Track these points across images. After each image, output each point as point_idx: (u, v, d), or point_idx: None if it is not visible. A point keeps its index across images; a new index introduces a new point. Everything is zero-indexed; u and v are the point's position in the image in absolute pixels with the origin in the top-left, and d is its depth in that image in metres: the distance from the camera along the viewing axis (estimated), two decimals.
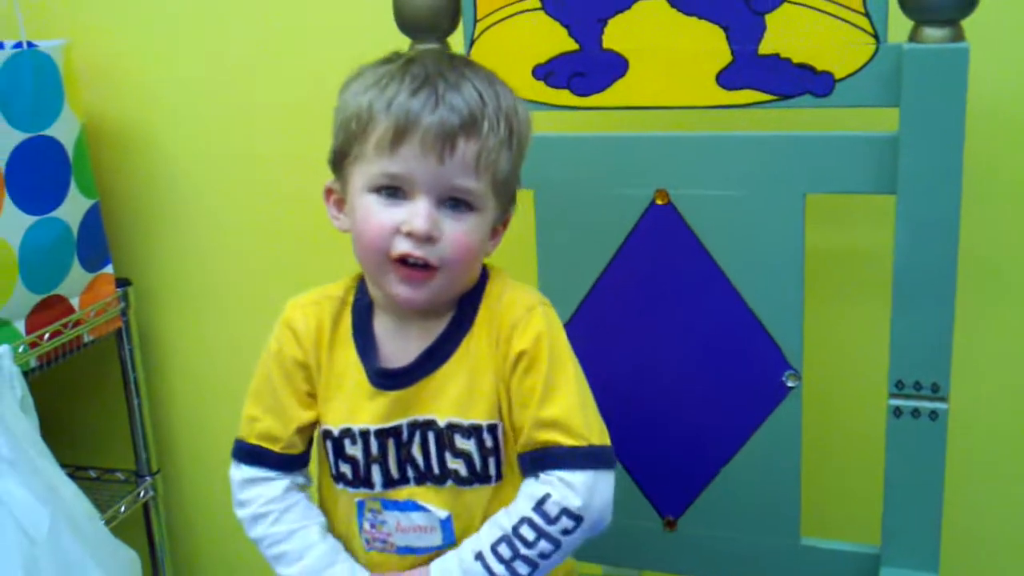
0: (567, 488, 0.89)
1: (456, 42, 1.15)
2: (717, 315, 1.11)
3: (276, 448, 0.99)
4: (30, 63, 1.40)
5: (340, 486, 0.96)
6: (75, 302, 1.51)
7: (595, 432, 0.91)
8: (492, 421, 0.92)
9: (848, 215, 1.22)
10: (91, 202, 1.52)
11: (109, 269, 1.56)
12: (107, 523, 1.51)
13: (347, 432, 0.95)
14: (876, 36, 1.01)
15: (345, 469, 0.95)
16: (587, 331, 1.13)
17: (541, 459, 0.91)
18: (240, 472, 1.02)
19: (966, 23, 0.99)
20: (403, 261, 0.88)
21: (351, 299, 0.99)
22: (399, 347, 0.95)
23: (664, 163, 1.10)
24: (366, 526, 0.96)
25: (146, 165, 1.61)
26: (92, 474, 1.70)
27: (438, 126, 0.85)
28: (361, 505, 0.96)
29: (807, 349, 1.10)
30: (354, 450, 0.94)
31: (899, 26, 1.01)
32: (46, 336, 1.44)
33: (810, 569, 1.14)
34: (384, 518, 0.95)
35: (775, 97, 1.06)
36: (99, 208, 1.54)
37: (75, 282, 1.50)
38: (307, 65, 1.46)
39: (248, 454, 1.01)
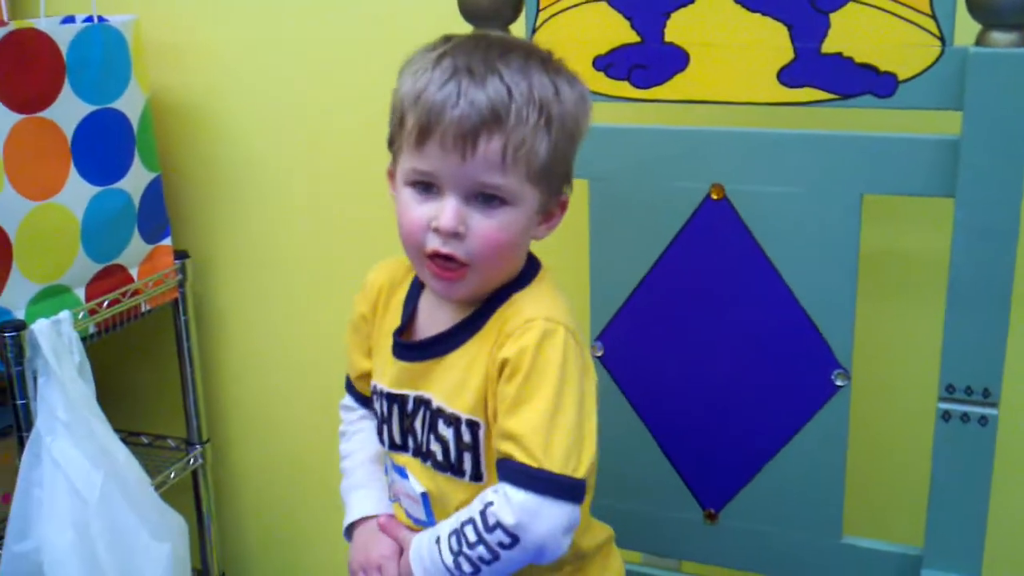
0: (506, 503, 0.86)
1: (518, 30, 1.16)
2: (768, 311, 1.11)
3: (355, 381, 1.11)
4: (100, 37, 1.43)
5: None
6: (134, 272, 1.54)
7: (555, 458, 0.86)
8: (473, 417, 0.92)
9: (904, 217, 1.22)
10: (153, 175, 1.55)
11: (168, 241, 1.60)
12: (157, 488, 1.54)
13: (375, 389, 1.02)
14: (942, 38, 1.01)
15: (377, 422, 1.03)
16: (637, 322, 1.14)
17: (500, 468, 0.89)
18: (345, 399, 1.14)
19: None
20: (435, 257, 0.89)
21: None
22: (430, 322, 0.98)
23: (721, 158, 1.10)
24: (391, 476, 1.03)
25: (208, 140, 1.64)
26: (144, 440, 1.74)
27: (457, 124, 0.85)
28: (386, 459, 1.04)
29: (857, 349, 1.10)
30: (379, 405, 1.01)
31: (965, 29, 1.00)
32: (105, 304, 1.47)
33: (850, 568, 1.14)
34: (393, 478, 1.02)
35: (836, 96, 1.05)
36: (161, 181, 1.57)
37: (135, 253, 1.53)
38: (370, 46, 1.48)
39: (348, 383, 1.13)
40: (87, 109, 1.42)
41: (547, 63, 0.91)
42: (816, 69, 1.05)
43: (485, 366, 0.92)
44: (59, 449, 1.33)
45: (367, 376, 1.06)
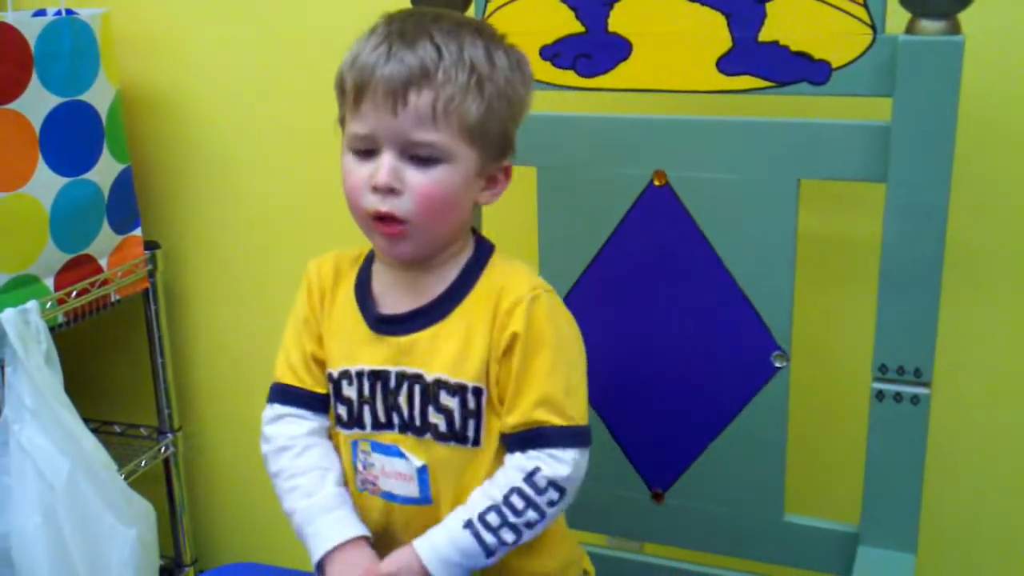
0: (557, 463, 0.93)
1: None
2: (709, 294, 1.14)
3: (303, 385, 1.03)
4: (68, 30, 1.46)
5: (338, 428, 1.01)
6: (104, 262, 1.57)
7: (581, 414, 0.96)
8: (478, 384, 0.95)
9: (841, 201, 1.24)
10: (123, 166, 1.58)
11: (138, 232, 1.62)
12: (128, 477, 1.57)
13: (345, 374, 0.99)
14: (873, 27, 1.03)
15: (342, 411, 1.00)
16: (583, 305, 1.16)
17: (533, 438, 0.94)
18: (272, 410, 1.05)
19: (963, 16, 1.01)
20: (378, 217, 0.92)
21: (362, 257, 1.04)
22: (397, 299, 0.99)
23: (663, 145, 1.13)
24: (359, 466, 1.00)
25: (178, 131, 1.66)
26: (116, 429, 1.77)
27: (387, 80, 0.88)
28: (355, 446, 1.00)
29: (796, 331, 1.13)
30: (350, 391, 0.98)
31: (896, 18, 1.03)
32: (74, 294, 1.50)
33: (793, 545, 1.17)
34: (372, 460, 0.98)
35: (773, 84, 1.08)
36: (131, 172, 1.60)
37: (104, 243, 1.56)
38: (333, 36, 1.50)
39: (279, 393, 1.05)
40: (55, 101, 1.45)
41: (481, 31, 0.94)
42: (753, 57, 1.08)
43: (487, 337, 0.94)
44: (26, 437, 1.35)
45: (318, 364, 1.03)
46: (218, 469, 1.81)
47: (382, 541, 0.99)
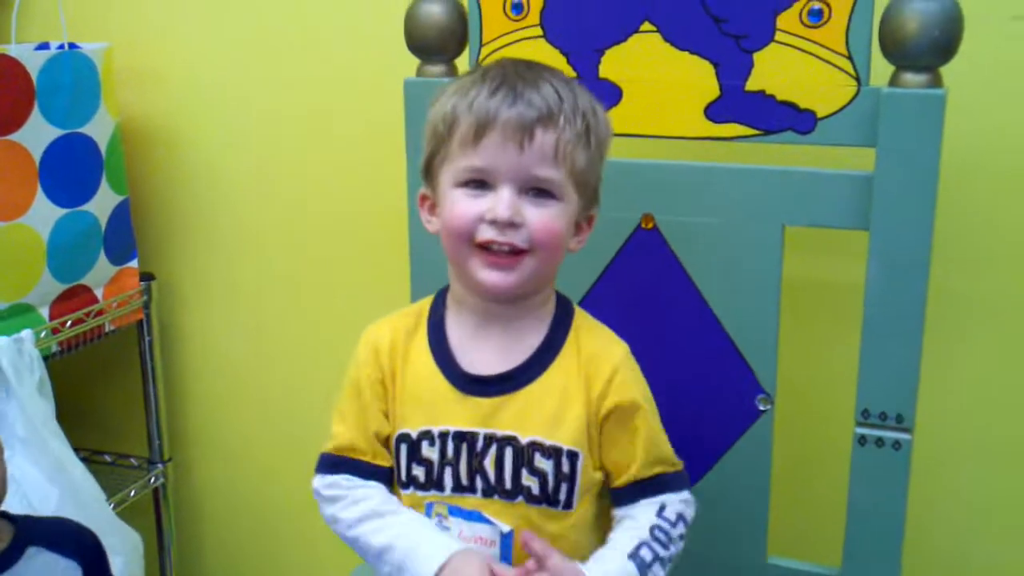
0: (681, 502, 1.01)
1: (462, 64, 1.21)
2: (695, 337, 1.16)
3: (363, 457, 1.01)
4: (70, 64, 1.48)
5: (410, 490, 0.98)
6: (99, 293, 1.58)
7: (676, 457, 1.04)
8: (574, 448, 0.95)
9: (826, 246, 1.26)
10: (121, 198, 1.60)
11: (134, 263, 1.64)
12: (117, 506, 1.58)
13: (426, 434, 0.97)
14: (858, 79, 1.06)
15: (418, 472, 0.97)
16: None
17: (651, 487, 1.00)
18: (323, 480, 1.03)
19: (945, 70, 1.03)
20: (487, 248, 0.92)
21: (427, 313, 1.03)
22: (483, 355, 0.98)
23: (652, 189, 1.15)
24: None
25: (176, 165, 1.69)
26: (108, 458, 1.78)
27: (517, 118, 0.91)
28: (429, 508, 0.97)
29: (780, 374, 1.14)
30: (430, 452, 0.96)
31: (881, 70, 1.05)
32: (68, 323, 1.52)
33: None
34: (449, 524, 0.96)
35: (759, 132, 1.10)
36: (128, 204, 1.62)
37: (100, 274, 1.58)
38: (328, 76, 1.54)
39: (333, 465, 1.03)
40: (56, 133, 1.47)
41: (582, 84, 0.99)
42: (740, 106, 1.10)
43: (584, 400, 0.96)
44: (16, 465, 1.36)
45: (383, 441, 1.01)
46: (207, 500, 1.82)
47: None
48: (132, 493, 1.66)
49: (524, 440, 0.95)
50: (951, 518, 1.33)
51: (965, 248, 1.24)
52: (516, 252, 0.92)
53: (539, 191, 0.92)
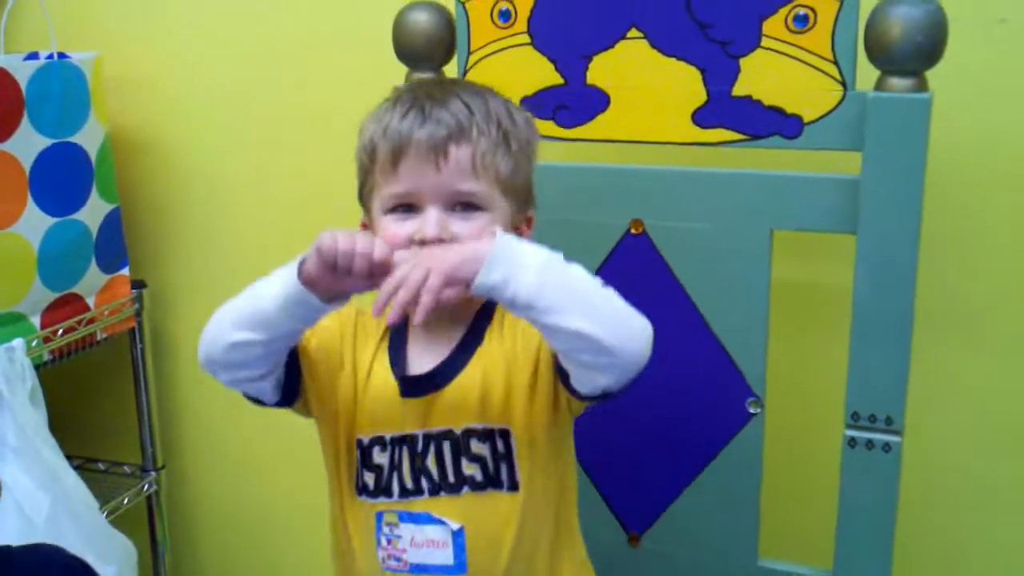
0: None
1: (450, 72, 1.22)
2: (685, 342, 1.16)
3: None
4: (59, 74, 1.48)
5: (362, 498, 0.98)
6: (91, 301, 1.58)
7: None
8: (504, 426, 0.95)
9: (814, 250, 1.27)
10: (111, 206, 1.60)
11: (125, 271, 1.64)
12: (110, 514, 1.58)
13: (378, 440, 0.98)
14: (844, 83, 1.06)
15: (369, 479, 0.98)
16: None
17: None
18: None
19: (932, 73, 1.04)
20: None
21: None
22: (420, 356, 0.99)
23: (640, 195, 1.15)
24: (383, 541, 0.97)
25: (167, 173, 1.69)
26: (101, 466, 1.77)
27: (428, 139, 0.92)
28: (379, 518, 0.98)
29: (770, 378, 1.15)
30: (381, 458, 0.97)
31: (867, 75, 1.06)
32: (60, 332, 1.52)
33: None
34: (400, 532, 0.96)
35: (746, 137, 1.11)
36: (119, 212, 1.62)
37: (92, 282, 1.58)
38: (319, 83, 1.54)
39: None
40: (45, 142, 1.47)
41: (496, 92, 1.00)
42: (727, 111, 1.11)
43: (504, 373, 0.95)
44: (8, 473, 1.36)
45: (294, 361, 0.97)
46: (201, 508, 1.82)
47: None
48: (126, 501, 1.66)
49: (459, 430, 0.95)
50: (943, 521, 1.33)
51: (953, 250, 1.25)
52: None
53: (465, 205, 0.94)
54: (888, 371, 1.08)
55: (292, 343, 0.95)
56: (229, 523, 1.81)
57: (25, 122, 1.43)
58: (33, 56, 1.57)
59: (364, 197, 0.99)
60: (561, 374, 0.92)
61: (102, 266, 1.59)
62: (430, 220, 0.92)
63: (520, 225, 1.00)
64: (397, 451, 0.97)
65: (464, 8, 1.18)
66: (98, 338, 1.60)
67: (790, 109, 1.09)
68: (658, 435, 1.19)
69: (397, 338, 1.01)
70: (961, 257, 1.26)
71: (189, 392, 1.77)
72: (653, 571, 1.23)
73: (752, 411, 1.15)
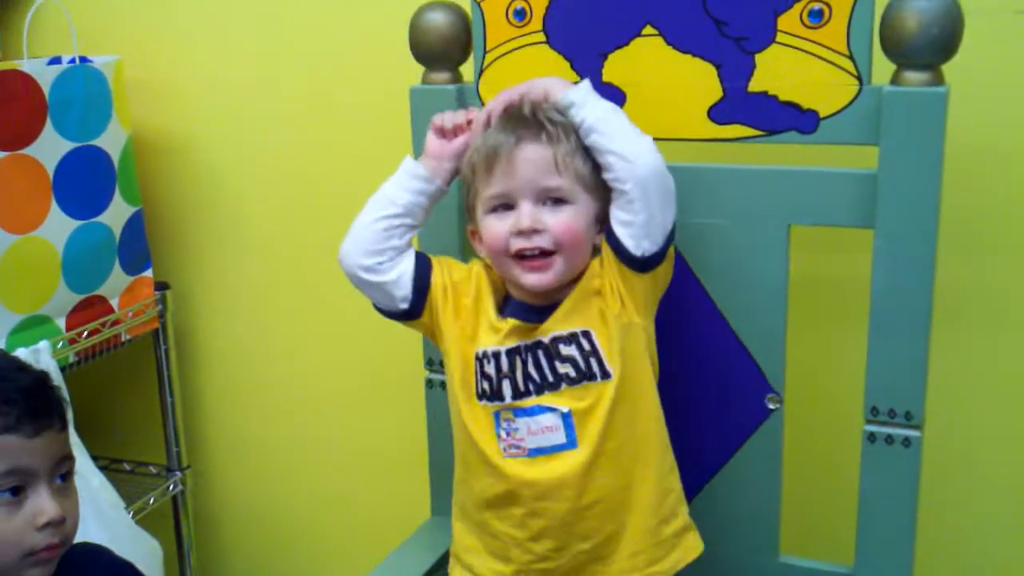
0: None
1: (467, 71, 1.22)
2: (704, 338, 1.16)
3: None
4: (81, 78, 1.50)
5: (482, 402, 1.10)
6: (115, 303, 1.60)
7: None
8: (585, 328, 1.07)
9: (833, 244, 1.27)
10: (134, 209, 1.62)
11: (149, 273, 1.66)
12: (136, 514, 1.59)
13: (483, 355, 1.10)
14: (859, 78, 1.06)
15: (485, 386, 1.10)
16: None
17: None
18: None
19: (949, 65, 1.03)
20: (522, 257, 1.05)
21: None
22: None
23: None
24: (503, 435, 1.09)
25: (189, 175, 1.70)
26: (127, 467, 1.79)
27: (515, 147, 1.05)
28: (497, 416, 1.09)
29: (789, 373, 1.15)
30: (489, 368, 1.10)
31: (883, 69, 1.05)
32: (85, 334, 1.53)
33: None
34: (516, 425, 1.08)
35: (762, 132, 1.11)
36: (142, 215, 1.63)
37: (116, 284, 1.59)
38: (338, 84, 1.55)
39: None
40: (69, 146, 1.49)
41: None
42: (743, 107, 1.11)
43: (594, 304, 1.07)
44: None
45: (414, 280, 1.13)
46: (226, 507, 1.83)
47: (534, 496, 1.07)
48: (151, 501, 1.68)
49: (547, 339, 1.08)
50: (965, 517, 1.33)
51: (971, 244, 1.24)
52: (545, 254, 1.05)
53: (553, 199, 1.05)
54: (907, 365, 1.07)
55: (418, 220, 1.14)
56: (254, 522, 1.83)
57: (48, 126, 1.45)
58: (55, 61, 1.59)
59: (470, 208, 1.11)
60: (618, 252, 1.06)
61: (126, 268, 1.61)
62: (524, 213, 1.05)
63: (604, 216, 1.08)
64: (511, 360, 1.09)
65: (480, 8, 1.19)
66: (123, 339, 1.61)
67: (806, 104, 1.09)
68: (678, 431, 1.18)
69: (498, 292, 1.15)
70: (980, 251, 1.25)
71: (213, 392, 1.79)
72: None
73: (771, 407, 1.15)
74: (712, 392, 1.17)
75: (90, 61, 1.55)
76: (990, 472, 1.31)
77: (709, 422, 1.18)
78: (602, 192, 1.07)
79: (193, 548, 1.79)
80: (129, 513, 1.54)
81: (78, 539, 1.36)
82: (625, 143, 1.03)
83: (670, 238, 1.06)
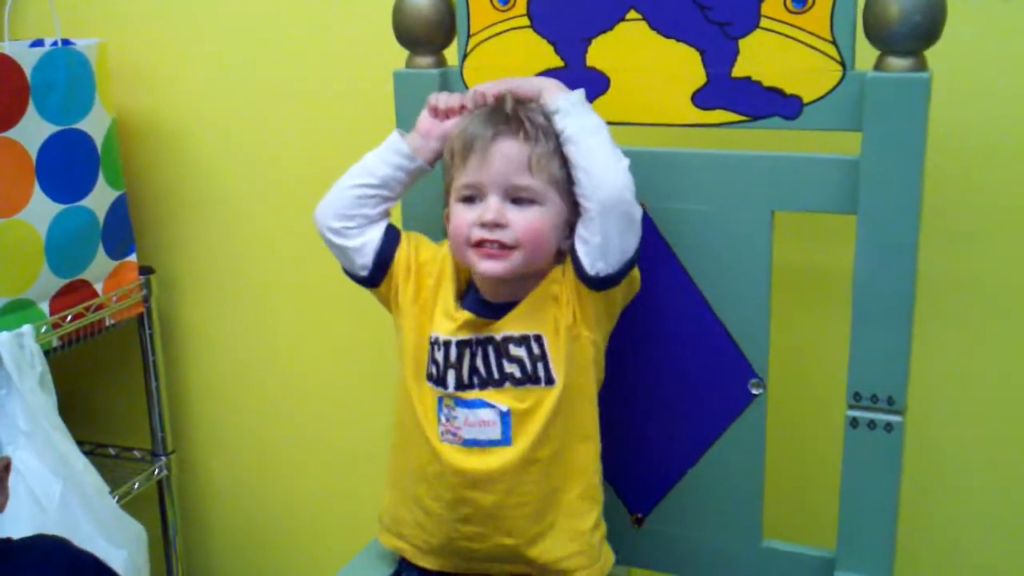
0: None
1: (450, 55, 1.22)
2: (688, 323, 1.16)
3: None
4: (64, 61, 1.49)
5: (429, 384, 1.13)
6: (99, 287, 1.59)
7: None
8: (538, 332, 1.09)
9: (816, 231, 1.27)
10: (118, 193, 1.61)
11: (133, 257, 1.65)
12: (121, 499, 1.59)
13: (435, 340, 1.12)
14: (843, 63, 1.06)
15: (432, 370, 1.12)
16: None
17: None
18: None
19: (932, 52, 1.03)
20: (480, 245, 1.06)
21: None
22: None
23: (641, 177, 1.13)
24: (442, 420, 1.12)
25: (173, 159, 1.70)
26: (111, 451, 1.79)
27: (491, 140, 1.06)
28: (440, 401, 1.12)
29: (772, 358, 1.15)
30: (439, 355, 1.12)
31: (866, 55, 1.05)
32: (69, 318, 1.53)
33: (770, 570, 1.19)
34: (456, 414, 1.11)
35: (746, 118, 1.11)
36: (126, 199, 1.63)
37: (100, 268, 1.59)
38: (323, 68, 1.54)
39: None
40: (51, 129, 1.48)
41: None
42: (727, 92, 1.11)
43: (550, 310, 1.09)
44: (20, 458, 1.38)
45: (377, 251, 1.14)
46: (211, 492, 1.83)
47: (463, 484, 1.10)
48: (136, 485, 1.68)
49: (499, 337, 1.10)
50: (946, 502, 1.33)
51: (954, 230, 1.25)
52: (505, 248, 1.06)
53: (520, 198, 1.06)
54: (889, 351, 1.08)
55: (394, 193, 1.15)
56: (239, 506, 1.83)
57: (31, 109, 1.44)
58: (38, 43, 1.58)
59: (446, 192, 1.12)
60: (575, 265, 1.07)
61: (110, 252, 1.60)
62: (490, 206, 1.06)
63: (574, 222, 1.08)
64: (459, 351, 1.11)
65: None
66: (107, 324, 1.61)
67: (789, 90, 1.08)
68: (661, 417, 1.20)
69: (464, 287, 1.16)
70: (962, 236, 1.25)
71: (198, 377, 1.78)
72: (657, 552, 1.23)
73: (754, 392, 1.16)
74: (695, 377, 1.18)
75: (73, 44, 1.54)
76: (971, 458, 1.32)
77: (692, 407, 1.18)
78: (575, 199, 1.08)
79: (178, 532, 1.78)
80: (114, 498, 1.54)
81: (63, 522, 1.37)
82: (595, 162, 1.04)
83: (630, 263, 1.06)
